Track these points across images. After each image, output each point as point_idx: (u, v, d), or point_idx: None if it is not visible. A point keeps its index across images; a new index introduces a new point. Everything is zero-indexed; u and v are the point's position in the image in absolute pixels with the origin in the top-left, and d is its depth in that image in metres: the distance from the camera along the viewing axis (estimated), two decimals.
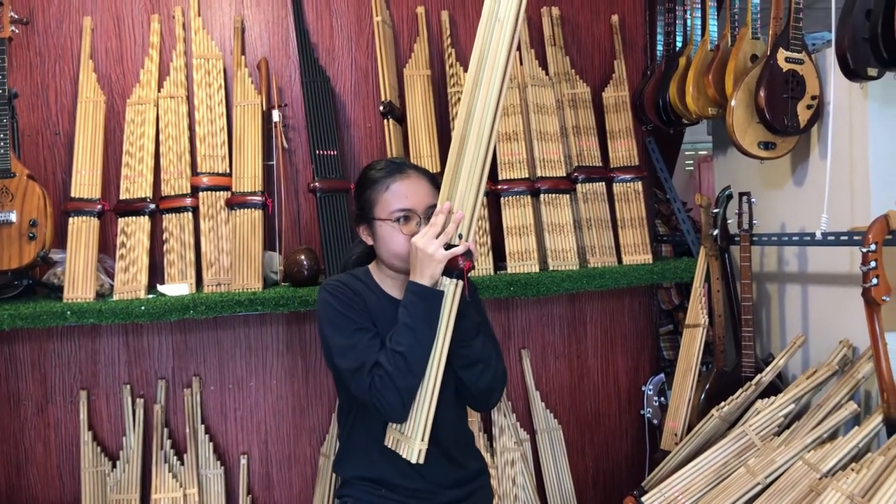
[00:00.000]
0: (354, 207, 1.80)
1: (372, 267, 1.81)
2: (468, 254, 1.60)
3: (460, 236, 1.60)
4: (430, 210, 1.67)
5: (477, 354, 1.70)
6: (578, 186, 2.75)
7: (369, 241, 1.76)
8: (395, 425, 1.66)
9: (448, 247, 1.59)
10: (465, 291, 1.62)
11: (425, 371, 1.61)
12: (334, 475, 2.54)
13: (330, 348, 1.67)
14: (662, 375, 2.95)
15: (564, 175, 2.75)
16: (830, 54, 2.17)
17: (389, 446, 1.67)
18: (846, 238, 2.11)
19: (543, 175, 2.71)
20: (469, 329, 1.68)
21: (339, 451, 1.85)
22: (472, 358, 1.70)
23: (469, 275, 1.62)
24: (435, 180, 1.76)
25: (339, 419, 1.85)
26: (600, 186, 2.78)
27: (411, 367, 1.58)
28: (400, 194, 1.69)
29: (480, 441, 2.65)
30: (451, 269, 1.60)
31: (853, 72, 2.03)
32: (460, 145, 1.61)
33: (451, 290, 1.61)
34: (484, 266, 2.61)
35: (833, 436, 2.11)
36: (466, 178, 1.59)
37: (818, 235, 2.20)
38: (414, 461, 1.61)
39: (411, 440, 1.61)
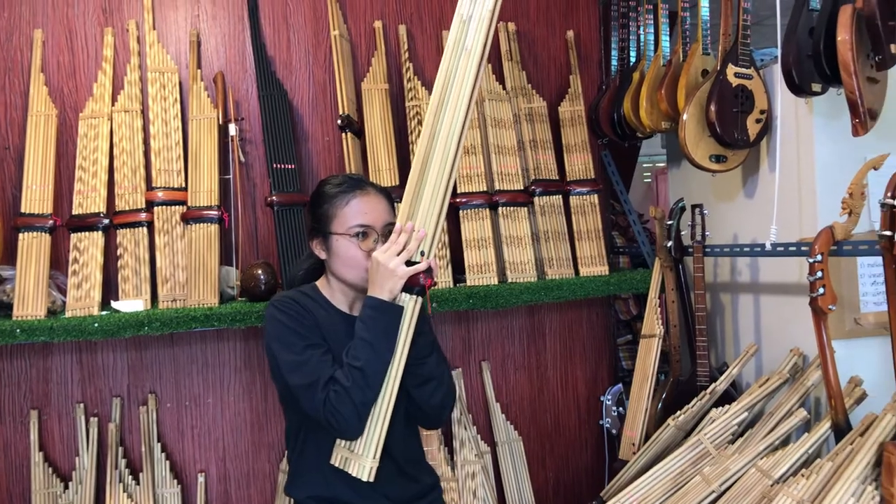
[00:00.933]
0: (308, 220, 1.79)
1: (320, 283, 1.81)
2: (429, 271, 1.62)
3: (422, 253, 1.62)
4: (388, 228, 1.69)
5: (431, 372, 1.71)
6: (536, 199, 2.78)
7: (322, 256, 1.76)
8: (343, 443, 1.64)
9: (409, 264, 1.60)
10: (429, 308, 1.64)
11: (381, 387, 1.60)
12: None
13: (280, 366, 1.65)
14: (620, 385, 2.98)
15: (522, 188, 2.77)
16: (777, 70, 2.23)
17: (337, 465, 1.64)
18: (794, 249, 2.16)
19: (501, 188, 2.73)
20: (425, 346, 1.68)
21: (291, 472, 1.81)
22: (426, 375, 1.70)
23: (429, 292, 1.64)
24: (391, 199, 1.79)
25: (289, 439, 1.82)
26: (557, 199, 2.81)
27: (369, 382, 1.57)
28: (359, 210, 1.70)
29: (441, 454, 2.65)
30: (410, 286, 1.61)
31: (798, 87, 2.10)
32: (423, 164, 1.64)
33: (411, 307, 1.62)
34: (443, 279, 2.61)
35: (785, 442, 2.15)
36: (430, 196, 1.62)
37: (768, 246, 2.25)
38: (365, 479, 1.59)
39: (362, 458, 1.60)
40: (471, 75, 1.61)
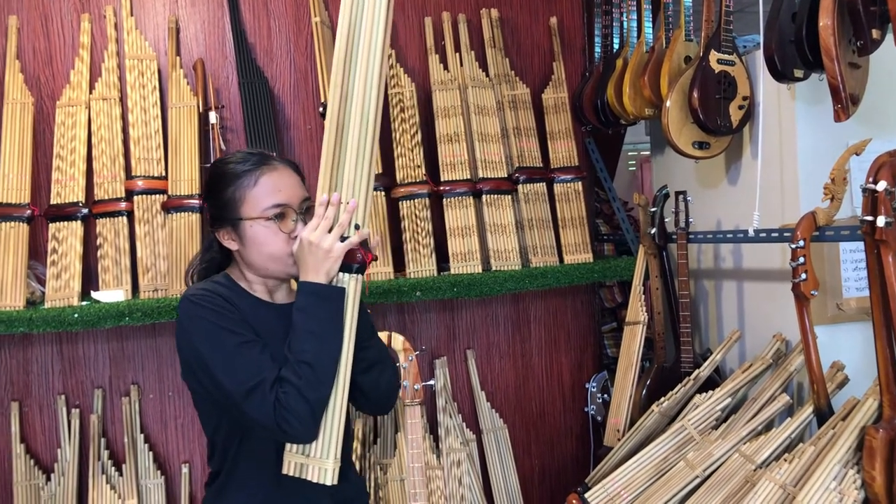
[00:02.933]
0: (209, 208, 1.55)
1: (232, 273, 1.56)
2: (366, 244, 1.46)
3: (356, 227, 1.45)
4: (304, 203, 1.50)
5: (374, 356, 1.56)
6: (520, 187, 2.77)
7: (234, 246, 1.51)
8: (294, 448, 1.44)
9: (342, 240, 1.43)
10: (366, 288, 1.48)
11: (334, 380, 1.43)
12: None
13: (211, 369, 1.41)
14: (605, 373, 2.99)
15: (506, 176, 2.76)
16: (760, 56, 2.23)
17: (291, 473, 1.44)
18: (777, 235, 2.17)
19: (485, 176, 2.72)
20: (367, 328, 1.53)
21: (214, 489, 1.55)
22: (371, 360, 1.55)
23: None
24: (300, 171, 1.56)
25: (215, 455, 1.55)
26: (541, 187, 2.80)
27: (320, 377, 1.39)
28: (271, 188, 1.47)
29: (426, 442, 2.64)
30: (348, 264, 1.44)
31: (781, 73, 2.10)
32: (338, 129, 1.45)
33: (353, 287, 1.45)
34: (427, 267, 2.60)
35: (768, 427, 2.17)
36: (354, 163, 1.45)
37: (751, 233, 2.26)
38: (329, 483, 1.41)
39: (322, 460, 1.42)
40: (381, 12, 1.43)
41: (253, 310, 1.49)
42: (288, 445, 1.44)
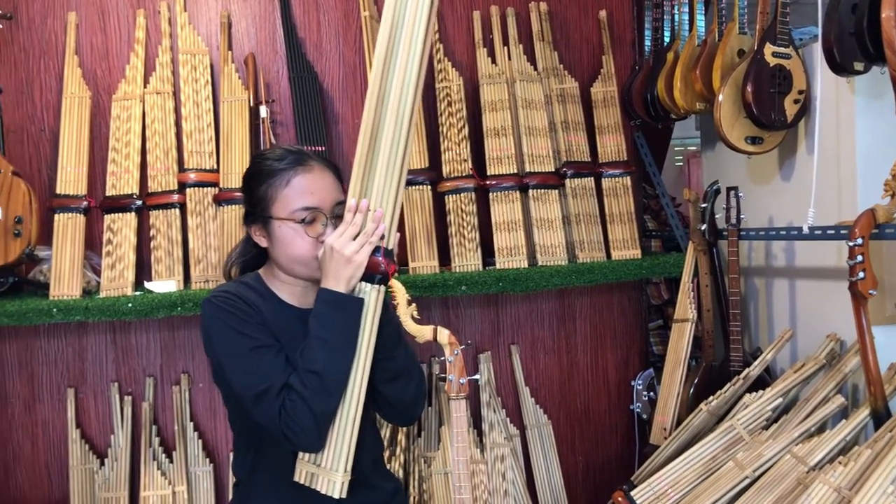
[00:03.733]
0: (244, 203, 1.55)
1: (264, 272, 1.55)
2: (390, 255, 1.42)
3: (382, 237, 1.42)
4: (338, 207, 1.46)
5: (400, 365, 1.51)
6: (567, 182, 2.75)
7: (263, 243, 1.50)
8: (306, 457, 1.43)
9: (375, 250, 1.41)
10: (390, 298, 1.43)
11: (343, 392, 1.40)
12: None
13: (225, 371, 1.42)
14: (651, 370, 2.95)
15: (553, 170, 2.75)
16: (817, 49, 2.17)
17: (302, 482, 1.43)
18: (833, 232, 2.12)
19: (532, 170, 2.70)
20: (392, 338, 1.48)
21: (240, 489, 1.58)
22: (396, 370, 1.50)
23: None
24: (338, 172, 1.53)
25: (237, 459, 1.57)
26: (589, 182, 2.78)
27: (328, 388, 1.37)
28: (303, 190, 1.44)
29: (470, 437, 2.64)
30: (371, 273, 1.40)
31: (840, 66, 2.04)
32: (373, 132, 1.41)
33: (374, 297, 1.41)
34: (472, 262, 2.60)
35: (821, 429, 2.12)
36: (384, 170, 1.40)
37: (805, 230, 2.21)
38: (337, 496, 1.40)
39: (332, 472, 1.40)
40: (423, 16, 1.38)
41: (276, 313, 1.48)
42: (301, 453, 1.44)
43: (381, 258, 1.40)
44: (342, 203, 1.46)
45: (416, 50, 1.39)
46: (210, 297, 1.45)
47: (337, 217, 1.45)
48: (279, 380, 1.38)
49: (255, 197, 1.48)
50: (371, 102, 1.41)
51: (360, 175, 1.42)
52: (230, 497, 2.55)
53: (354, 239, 1.38)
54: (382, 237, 1.41)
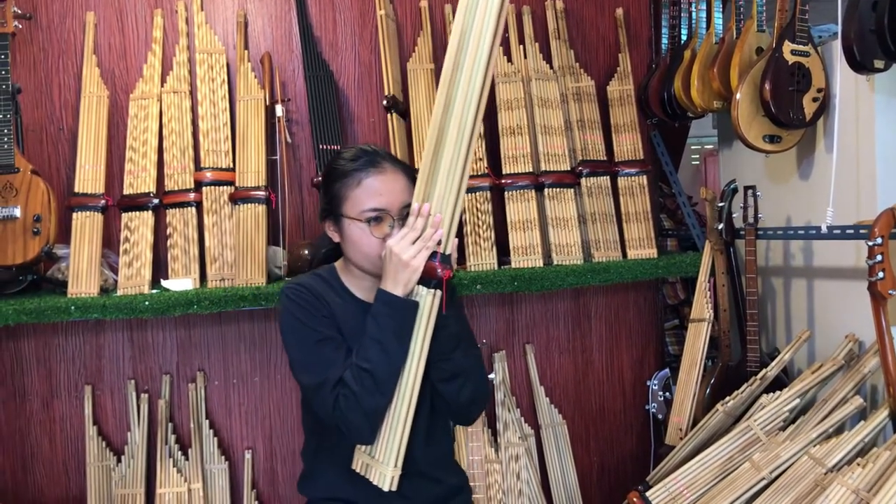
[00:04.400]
0: (321, 199, 1.64)
1: (339, 265, 1.65)
2: (446, 261, 1.45)
3: (438, 242, 1.45)
4: (405, 209, 1.51)
5: (457, 367, 1.55)
6: (583, 180, 2.74)
7: (336, 238, 1.60)
8: (363, 448, 1.51)
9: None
10: (443, 304, 1.46)
11: (395, 390, 1.46)
12: None
13: (291, 359, 1.54)
14: (667, 370, 2.94)
15: (569, 169, 2.74)
16: (836, 46, 2.15)
17: (358, 471, 1.51)
18: (852, 232, 2.10)
19: (547, 169, 2.69)
20: (448, 341, 1.52)
21: (304, 470, 1.68)
22: (452, 371, 1.55)
23: (454, 277, 1.48)
24: (411, 173, 1.59)
25: (305, 433, 1.70)
26: (605, 180, 2.77)
27: (379, 387, 1.43)
28: (373, 191, 1.51)
29: (485, 436, 2.64)
30: (428, 278, 1.44)
31: (860, 64, 2.02)
32: (438, 139, 1.44)
33: (428, 302, 1.46)
34: (488, 261, 2.60)
35: (839, 430, 2.10)
36: (446, 177, 1.43)
37: (824, 229, 2.19)
38: (386, 489, 1.47)
39: (383, 465, 1.46)
40: (489, 29, 1.40)
41: (344, 306, 1.57)
42: (358, 444, 1.52)
43: (437, 263, 1.44)
44: (410, 205, 1.51)
45: (480, 62, 1.42)
46: (285, 289, 1.56)
47: (404, 219, 1.50)
48: (335, 373, 1.46)
49: (329, 195, 1.57)
50: (438, 110, 1.45)
51: (425, 180, 1.47)
52: (245, 495, 2.59)
53: (414, 243, 1.44)
54: (440, 242, 1.45)
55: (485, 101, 1.44)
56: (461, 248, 2.63)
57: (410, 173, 1.58)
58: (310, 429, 1.67)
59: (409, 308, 1.45)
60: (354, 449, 1.53)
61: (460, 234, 2.64)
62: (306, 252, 2.45)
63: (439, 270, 1.44)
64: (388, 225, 1.51)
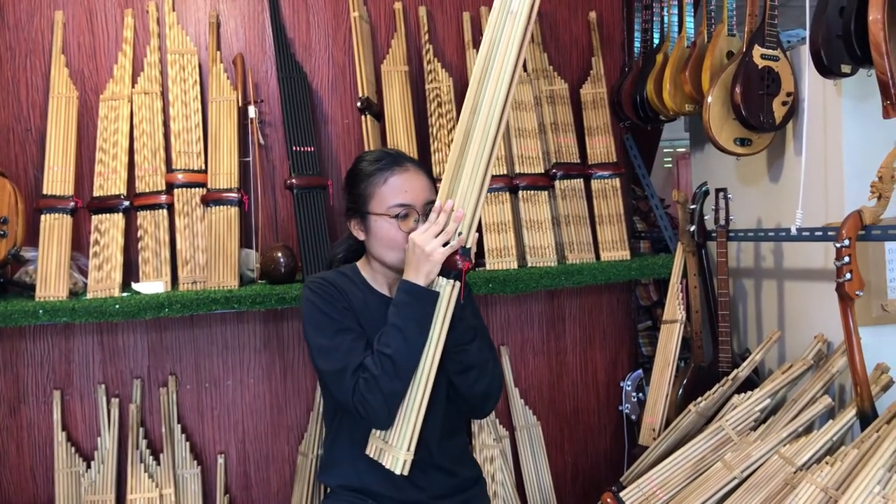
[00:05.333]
0: (345, 200, 1.73)
1: (360, 263, 1.74)
2: (466, 253, 1.54)
3: (459, 234, 1.54)
4: (428, 206, 1.61)
5: (472, 359, 1.63)
6: (557, 183, 2.75)
7: (361, 237, 1.69)
8: (378, 433, 1.58)
9: (446, 246, 1.52)
10: (462, 293, 1.54)
11: (413, 376, 1.53)
12: (313, 477, 2.52)
13: (311, 350, 1.61)
14: (641, 371, 2.96)
15: (543, 172, 2.75)
16: (805, 51, 2.18)
17: (372, 455, 1.57)
18: (821, 234, 2.13)
19: (522, 172, 2.70)
20: (465, 333, 1.60)
21: (324, 459, 1.76)
22: (468, 363, 1.63)
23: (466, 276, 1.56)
24: (430, 174, 1.71)
25: (326, 424, 1.77)
26: (578, 183, 2.78)
27: (398, 372, 1.50)
28: (398, 188, 1.62)
29: None
30: (448, 270, 1.53)
31: (827, 69, 2.05)
32: (464, 140, 1.54)
33: (448, 292, 1.53)
34: None
35: (808, 430, 2.13)
36: (470, 175, 1.53)
37: (793, 231, 2.22)
38: (398, 472, 1.53)
39: (396, 450, 1.53)
40: (516, 40, 1.50)
41: (365, 299, 1.66)
42: (374, 430, 1.58)
43: (458, 255, 1.53)
44: (433, 202, 1.61)
45: (507, 68, 1.50)
46: (307, 282, 1.65)
47: (427, 214, 1.60)
48: (355, 361, 1.54)
49: (355, 194, 1.67)
50: (465, 112, 1.54)
51: (450, 178, 1.56)
52: (218, 499, 2.56)
53: (436, 237, 1.52)
54: (459, 234, 1.53)
55: (510, 105, 1.53)
56: None
57: (430, 173, 1.71)
58: (329, 418, 1.73)
59: (429, 297, 1.52)
60: (370, 437, 1.59)
61: None
62: (279, 255, 2.43)
63: (459, 262, 1.52)
64: (414, 220, 1.61)
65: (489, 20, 1.56)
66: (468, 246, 1.55)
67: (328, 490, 1.76)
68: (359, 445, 1.62)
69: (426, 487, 1.66)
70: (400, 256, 1.60)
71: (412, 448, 1.53)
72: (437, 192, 1.64)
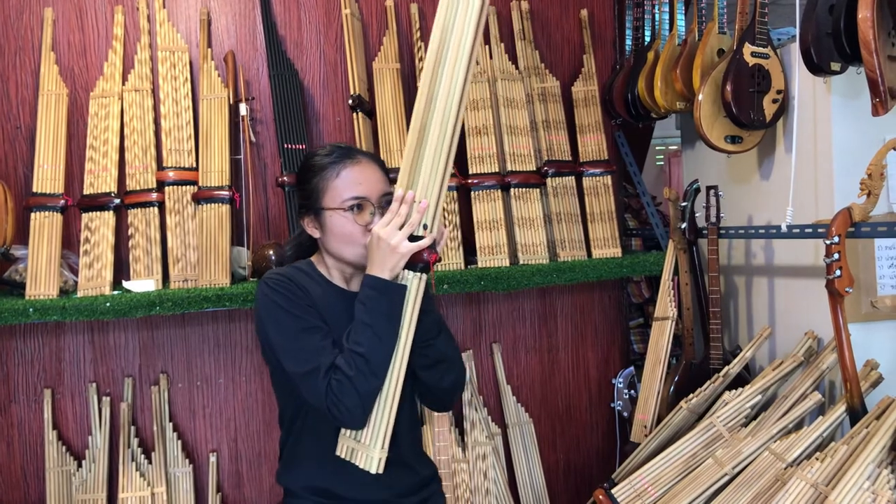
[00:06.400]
0: (297, 197, 1.65)
1: (316, 259, 1.67)
2: (433, 246, 1.48)
3: (424, 226, 1.48)
4: (384, 198, 1.56)
5: (440, 353, 1.59)
6: (548, 181, 2.75)
7: (316, 234, 1.61)
8: (348, 433, 1.52)
9: (412, 238, 1.47)
10: (432, 285, 1.52)
11: (387, 372, 1.48)
12: None
13: (275, 350, 1.52)
14: (632, 368, 2.97)
15: (534, 169, 2.75)
16: (795, 49, 2.19)
17: (343, 456, 1.52)
18: (811, 231, 2.14)
19: (514, 169, 2.71)
20: (432, 326, 1.57)
21: (284, 460, 1.68)
22: (435, 357, 1.59)
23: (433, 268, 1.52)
24: (384, 166, 1.64)
25: (283, 424, 1.68)
26: (570, 181, 2.79)
27: (373, 369, 1.45)
28: (352, 181, 1.55)
29: (452, 435, 2.64)
30: (413, 262, 1.48)
31: (817, 66, 2.06)
32: (421, 131, 1.50)
33: (415, 285, 1.49)
34: (454, 260, 2.60)
35: (798, 426, 2.14)
36: (430, 164, 1.48)
37: (784, 228, 2.23)
38: (374, 471, 1.48)
39: (369, 448, 1.48)
40: (471, 26, 1.44)
41: (326, 296, 1.58)
42: (343, 429, 1.52)
43: (425, 248, 1.47)
44: (389, 194, 1.55)
45: (464, 52, 1.45)
46: (264, 279, 1.56)
47: (384, 207, 1.54)
48: (326, 360, 1.46)
49: (307, 190, 1.59)
50: (421, 102, 1.49)
51: (408, 168, 1.50)
52: (210, 498, 2.55)
53: (400, 229, 1.46)
54: (426, 227, 1.48)
55: (468, 90, 1.48)
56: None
57: (383, 165, 1.64)
58: (289, 419, 1.65)
59: (398, 291, 1.48)
60: (338, 436, 1.53)
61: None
62: (271, 253, 2.43)
63: (425, 254, 1.47)
64: (370, 213, 1.55)
65: (440, 4, 1.49)
66: (434, 237, 1.50)
67: (285, 491, 1.68)
68: (325, 444, 1.56)
69: (392, 485, 1.61)
70: (358, 252, 1.55)
71: (386, 446, 1.49)
72: (391, 183, 1.59)
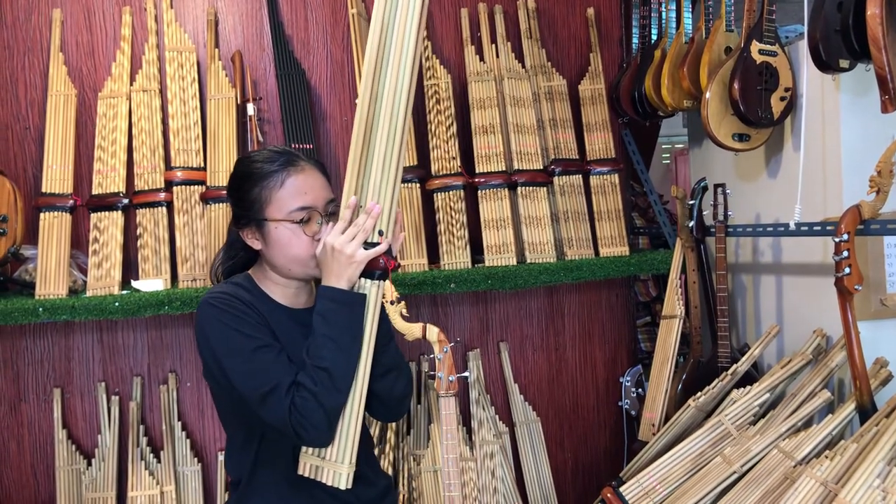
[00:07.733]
0: (233, 206, 1.53)
1: (253, 272, 1.55)
2: (389, 252, 1.43)
3: (380, 232, 1.42)
4: (329, 205, 1.48)
5: (392, 361, 1.53)
6: (555, 179, 2.75)
7: (257, 246, 1.49)
8: (310, 450, 1.44)
9: (367, 245, 1.40)
10: (391, 294, 1.47)
11: (351, 386, 1.41)
12: None
13: (227, 373, 1.40)
14: (640, 367, 2.96)
15: (541, 168, 2.75)
16: (803, 46, 2.18)
17: (306, 475, 1.44)
18: (819, 228, 2.13)
19: (520, 168, 2.71)
20: (386, 334, 1.50)
21: (238, 494, 1.55)
22: (388, 365, 1.52)
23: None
24: (325, 170, 1.54)
25: (233, 459, 1.55)
26: (577, 179, 2.78)
27: (337, 384, 1.38)
28: (297, 190, 1.44)
29: (459, 434, 2.64)
30: (370, 270, 1.42)
31: (825, 64, 2.05)
32: (366, 131, 1.42)
33: (374, 293, 1.43)
34: (461, 259, 2.60)
35: (807, 424, 2.13)
36: (380, 166, 1.41)
37: (792, 226, 2.22)
38: (343, 487, 1.42)
39: (336, 464, 1.42)
40: (414, 17, 1.39)
41: (270, 313, 1.48)
42: (304, 447, 1.44)
43: (382, 255, 1.42)
44: (334, 201, 1.47)
45: (408, 46, 1.39)
46: (207, 299, 1.44)
47: (330, 215, 1.46)
48: (286, 378, 1.38)
49: (247, 200, 1.46)
50: (363, 102, 1.42)
51: (356, 173, 1.43)
52: (219, 497, 2.56)
53: (354, 238, 1.39)
54: (381, 233, 1.42)
55: (414, 87, 1.42)
56: (435, 247, 2.64)
57: (325, 170, 1.54)
58: (238, 449, 1.53)
59: (357, 301, 1.41)
60: (300, 457, 1.46)
61: (434, 233, 2.65)
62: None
63: (383, 261, 1.42)
64: (317, 222, 1.46)
65: (375, 4, 1.43)
66: (390, 242, 1.45)
67: None
68: (281, 471, 1.49)
69: (351, 501, 1.54)
70: (308, 264, 1.46)
71: (353, 460, 1.43)
72: (333, 189, 1.51)
